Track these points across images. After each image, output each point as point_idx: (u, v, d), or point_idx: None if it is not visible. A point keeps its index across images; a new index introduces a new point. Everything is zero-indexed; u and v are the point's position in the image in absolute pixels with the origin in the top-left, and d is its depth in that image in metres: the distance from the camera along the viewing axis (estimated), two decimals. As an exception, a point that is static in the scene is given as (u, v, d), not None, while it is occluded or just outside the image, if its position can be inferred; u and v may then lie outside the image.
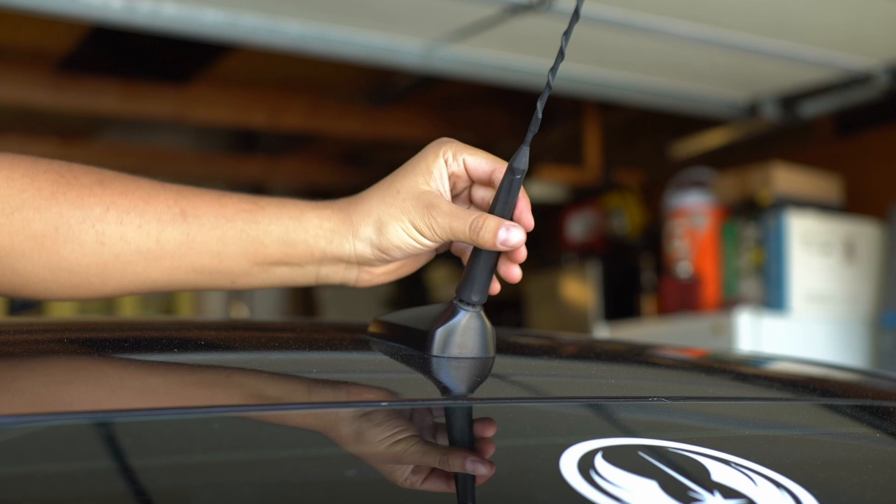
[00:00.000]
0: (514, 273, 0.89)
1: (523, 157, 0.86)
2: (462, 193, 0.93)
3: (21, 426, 0.60)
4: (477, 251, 0.87)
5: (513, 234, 0.84)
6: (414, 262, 0.97)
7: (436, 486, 0.61)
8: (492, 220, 0.85)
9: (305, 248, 0.92)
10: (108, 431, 0.61)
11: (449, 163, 0.91)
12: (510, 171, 0.87)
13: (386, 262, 0.93)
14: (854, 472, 0.73)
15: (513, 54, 3.62)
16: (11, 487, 0.53)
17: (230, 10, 3.23)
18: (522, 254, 0.88)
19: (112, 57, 4.84)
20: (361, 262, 0.93)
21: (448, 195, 0.91)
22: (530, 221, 0.87)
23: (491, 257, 0.86)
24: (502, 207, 0.87)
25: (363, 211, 0.92)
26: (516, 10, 3.14)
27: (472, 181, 0.92)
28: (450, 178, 0.91)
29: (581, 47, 3.49)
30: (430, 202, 0.88)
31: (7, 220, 0.86)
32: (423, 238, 0.89)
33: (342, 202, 0.95)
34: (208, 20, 3.23)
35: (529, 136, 0.86)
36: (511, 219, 0.86)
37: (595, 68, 3.76)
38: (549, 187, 5.12)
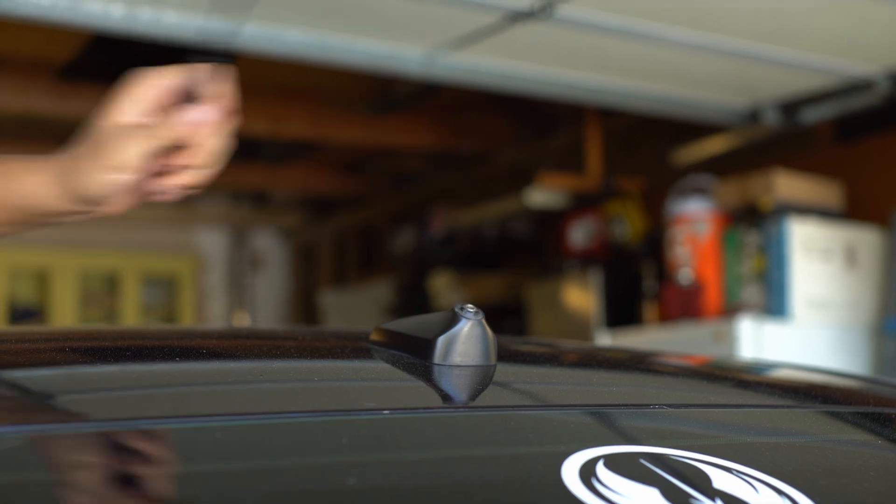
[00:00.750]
0: None
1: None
2: None
3: (23, 435, 0.61)
4: None
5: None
6: None
7: None
8: None
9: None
10: (110, 440, 0.61)
11: None
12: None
13: None
14: (856, 479, 0.73)
15: (514, 61, 3.63)
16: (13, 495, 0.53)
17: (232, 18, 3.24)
18: None
19: (113, 65, 4.84)
20: None
21: None
22: None
23: None
24: None
25: None
26: (517, 18, 3.15)
27: None
28: None
29: (582, 54, 3.49)
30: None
31: None
32: None
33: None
34: (210, 28, 3.24)
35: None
36: None
37: (596, 75, 3.77)
38: (551, 194, 5.12)
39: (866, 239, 3.89)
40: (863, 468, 0.77)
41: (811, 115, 4.13)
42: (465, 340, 0.84)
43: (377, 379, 0.88)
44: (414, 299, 6.04)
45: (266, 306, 7.95)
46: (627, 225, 4.85)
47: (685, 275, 3.98)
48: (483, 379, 0.82)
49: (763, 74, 3.75)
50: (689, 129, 4.63)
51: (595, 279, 4.70)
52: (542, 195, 5.10)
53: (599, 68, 3.69)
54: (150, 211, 7.45)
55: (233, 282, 7.86)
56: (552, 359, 1.15)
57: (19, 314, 7.11)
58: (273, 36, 3.33)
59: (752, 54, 3.48)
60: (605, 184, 5.10)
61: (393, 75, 3.93)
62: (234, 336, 1.28)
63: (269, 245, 8.07)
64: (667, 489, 0.62)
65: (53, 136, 5.88)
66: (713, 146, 4.71)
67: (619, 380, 1.02)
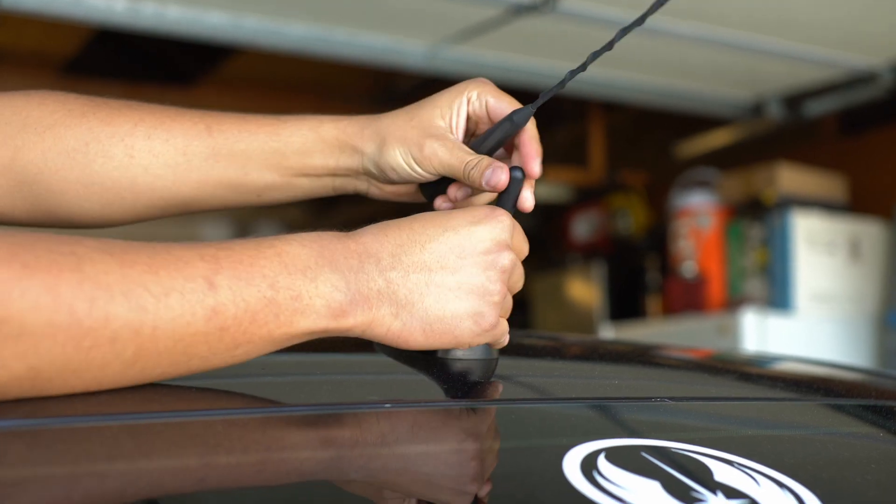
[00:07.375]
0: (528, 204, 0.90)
1: (526, 114, 0.90)
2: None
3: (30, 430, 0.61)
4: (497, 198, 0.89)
5: (495, 175, 0.86)
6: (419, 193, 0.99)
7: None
8: (485, 160, 0.88)
9: (322, 159, 0.96)
10: (112, 435, 0.62)
11: (471, 101, 0.93)
12: (508, 119, 0.90)
13: (389, 181, 0.95)
14: (858, 471, 0.73)
15: (517, 55, 3.62)
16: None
17: (233, 13, 3.23)
18: (527, 202, 0.89)
19: (116, 59, 4.85)
20: (369, 175, 0.97)
21: (459, 133, 0.93)
22: (535, 170, 0.91)
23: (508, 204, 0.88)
24: (483, 145, 0.91)
25: (374, 129, 0.96)
26: (520, 11, 3.15)
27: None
28: (470, 117, 0.94)
29: (585, 48, 3.48)
30: (435, 135, 0.91)
31: (39, 138, 0.90)
32: (416, 166, 0.92)
33: (363, 118, 0.98)
34: (212, 22, 3.24)
35: (540, 101, 0.89)
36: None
37: (599, 69, 3.76)
38: (554, 188, 5.12)
39: (870, 232, 3.89)
40: (865, 461, 0.77)
41: (815, 108, 4.12)
42: (466, 334, 0.83)
43: (379, 372, 0.88)
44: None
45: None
46: (631, 218, 4.85)
47: (688, 268, 3.98)
48: (485, 372, 0.82)
49: (767, 67, 3.74)
50: (693, 122, 4.63)
51: (598, 272, 4.70)
52: (546, 189, 5.10)
53: (602, 61, 3.67)
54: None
55: (236, 276, 7.85)
56: (554, 352, 1.15)
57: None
58: (275, 30, 3.32)
59: (755, 47, 3.47)
60: (609, 177, 5.10)
61: (395, 69, 3.92)
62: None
63: (272, 239, 8.06)
64: (668, 482, 0.62)
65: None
66: (717, 139, 4.71)
67: (621, 373, 1.02)
